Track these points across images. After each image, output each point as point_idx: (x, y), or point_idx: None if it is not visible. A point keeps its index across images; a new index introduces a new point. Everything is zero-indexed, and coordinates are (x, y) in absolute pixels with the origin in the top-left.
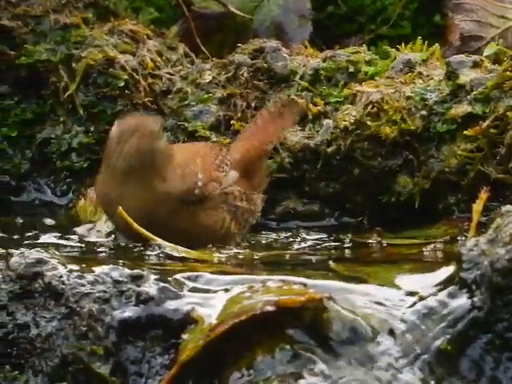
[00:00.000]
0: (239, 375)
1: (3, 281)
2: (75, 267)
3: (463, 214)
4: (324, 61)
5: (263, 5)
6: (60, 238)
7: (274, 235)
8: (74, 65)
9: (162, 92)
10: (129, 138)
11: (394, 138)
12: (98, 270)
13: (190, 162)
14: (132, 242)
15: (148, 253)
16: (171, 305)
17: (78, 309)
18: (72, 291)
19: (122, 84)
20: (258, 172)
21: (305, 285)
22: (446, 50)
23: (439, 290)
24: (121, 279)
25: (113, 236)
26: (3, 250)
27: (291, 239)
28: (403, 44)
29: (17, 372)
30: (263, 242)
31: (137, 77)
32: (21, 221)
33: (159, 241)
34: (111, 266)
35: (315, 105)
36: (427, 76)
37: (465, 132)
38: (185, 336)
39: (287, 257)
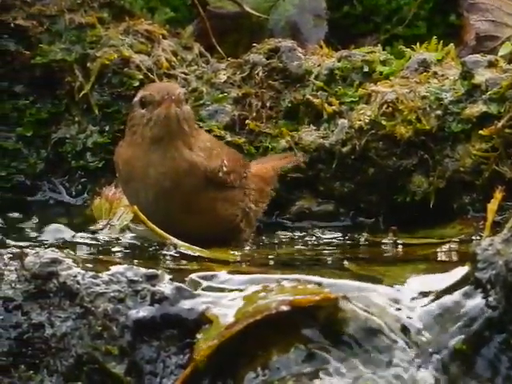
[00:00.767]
0: (254, 375)
1: (18, 280)
2: (90, 267)
3: (478, 213)
4: (339, 60)
5: (278, 4)
6: (75, 237)
7: (288, 234)
8: (89, 64)
9: None
10: (156, 106)
11: (409, 137)
12: (112, 269)
13: (218, 146)
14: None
15: (163, 252)
16: (186, 304)
17: (93, 308)
18: (87, 291)
19: (136, 84)
20: (267, 188)
21: (320, 284)
22: (461, 49)
23: (454, 290)
24: (136, 279)
25: (127, 232)
26: (18, 250)
27: (306, 238)
28: (418, 44)
29: (32, 372)
30: (278, 241)
31: (152, 76)
32: (36, 220)
33: (174, 240)
34: (126, 265)
35: (330, 104)
36: (442, 76)
37: (480, 132)
38: (199, 336)
39: (302, 256)
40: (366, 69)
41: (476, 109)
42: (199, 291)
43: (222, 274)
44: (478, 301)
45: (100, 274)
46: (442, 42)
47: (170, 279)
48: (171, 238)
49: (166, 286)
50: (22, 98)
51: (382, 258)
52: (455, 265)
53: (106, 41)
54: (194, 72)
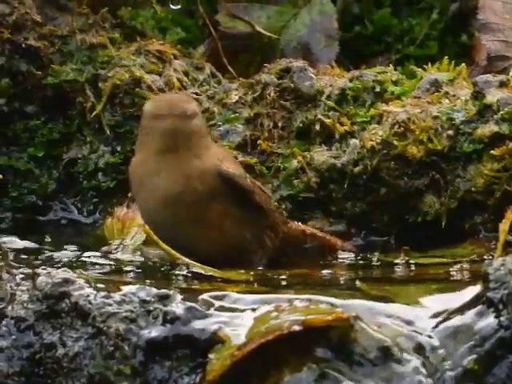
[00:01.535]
0: None
1: (30, 300)
2: (102, 287)
3: (490, 233)
4: (351, 81)
5: (290, 25)
6: (87, 257)
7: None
8: (100, 85)
9: None
10: (165, 118)
11: (421, 157)
12: (124, 289)
13: (229, 160)
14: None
15: (175, 272)
16: (198, 324)
17: (105, 328)
18: (99, 311)
19: None
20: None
21: (332, 304)
22: (473, 69)
23: (466, 310)
24: (148, 299)
25: (139, 253)
26: (30, 270)
27: (318, 258)
28: (430, 64)
29: None
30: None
31: None
32: (48, 240)
33: (186, 260)
34: (138, 285)
35: (342, 124)
36: (454, 96)
37: (491, 152)
38: (212, 356)
39: (314, 276)
40: (377, 89)
41: (488, 129)
42: (211, 311)
43: (234, 294)
44: (490, 320)
45: (112, 294)
46: (453, 62)
47: (182, 299)
48: (183, 257)
49: (178, 306)
50: (34, 119)
51: (394, 278)
52: (467, 284)
53: (117, 61)
54: (206, 92)
